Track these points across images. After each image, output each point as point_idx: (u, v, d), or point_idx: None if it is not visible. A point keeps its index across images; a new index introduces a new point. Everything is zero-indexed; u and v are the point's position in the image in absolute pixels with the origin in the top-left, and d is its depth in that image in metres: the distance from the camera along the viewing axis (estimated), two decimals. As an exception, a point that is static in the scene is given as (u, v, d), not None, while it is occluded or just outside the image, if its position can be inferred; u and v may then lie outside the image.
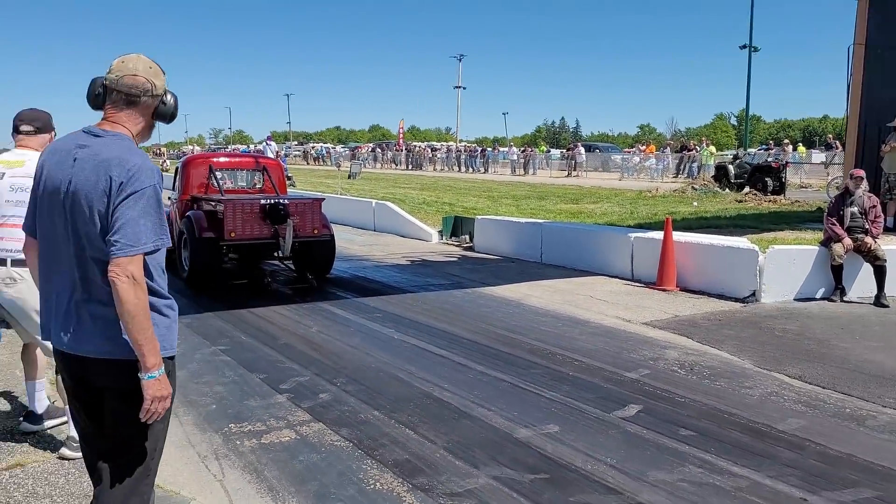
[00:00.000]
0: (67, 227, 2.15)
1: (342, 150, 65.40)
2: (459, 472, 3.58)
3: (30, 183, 3.45)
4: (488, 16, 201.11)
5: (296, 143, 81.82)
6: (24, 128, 3.67)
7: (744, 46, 34.85)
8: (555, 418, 4.31)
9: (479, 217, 12.67)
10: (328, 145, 75.86)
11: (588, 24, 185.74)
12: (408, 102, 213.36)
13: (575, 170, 34.61)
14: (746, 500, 3.31)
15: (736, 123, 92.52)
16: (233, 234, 7.86)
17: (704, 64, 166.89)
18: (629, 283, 8.90)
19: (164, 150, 63.10)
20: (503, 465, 3.67)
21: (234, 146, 76.06)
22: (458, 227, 13.39)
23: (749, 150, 32.22)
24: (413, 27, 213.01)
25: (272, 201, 8.07)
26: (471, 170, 42.01)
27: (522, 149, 44.77)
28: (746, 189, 20.53)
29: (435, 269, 10.02)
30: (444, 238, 13.41)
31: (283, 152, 46.42)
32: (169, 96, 2.29)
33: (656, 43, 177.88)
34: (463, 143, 63.44)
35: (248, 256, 8.79)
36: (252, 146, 70.87)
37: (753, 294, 7.75)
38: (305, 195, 9.40)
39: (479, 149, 48.34)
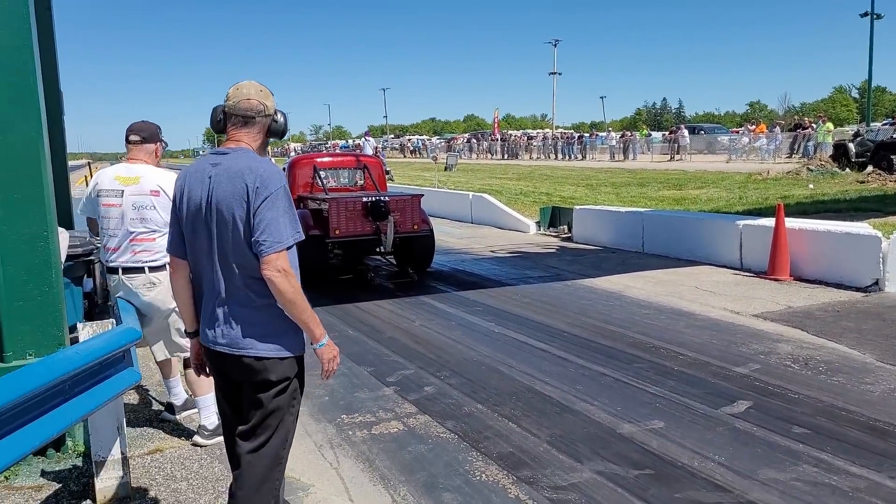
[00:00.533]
0: (212, 239, 2.42)
1: (438, 141, 66.15)
2: (563, 466, 3.66)
3: (147, 200, 3.83)
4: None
5: (392, 136, 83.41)
6: (132, 137, 3.99)
7: (865, 14, 32.52)
8: (660, 414, 4.30)
9: (578, 207, 12.57)
10: (424, 137, 76.90)
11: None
12: (502, 91, 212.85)
13: (678, 153, 33.54)
14: (865, 502, 3.22)
15: (858, 96, 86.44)
16: (337, 232, 8.19)
17: (821, 34, 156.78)
18: (738, 272, 8.62)
19: (269, 148, 65.74)
20: (607, 459, 3.72)
21: (332, 141, 78.47)
22: (556, 217, 13.34)
23: (872, 124, 30.06)
24: (506, 14, 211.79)
25: (374, 199, 8.37)
26: (568, 157, 41.50)
27: (621, 133, 43.75)
28: (869, 168, 19.24)
29: (533, 261, 10.07)
30: (542, 229, 13.40)
31: (380, 146, 47.56)
32: (279, 115, 2.56)
33: (766, 14, 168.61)
34: (559, 130, 62.68)
35: (352, 252, 9.11)
36: (350, 141, 72.88)
37: (876, 283, 7.34)
38: (405, 192, 9.59)
39: (577, 135, 47.66)
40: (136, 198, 3.85)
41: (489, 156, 50.67)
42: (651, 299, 7.43)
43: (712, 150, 35.76)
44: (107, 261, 3.98)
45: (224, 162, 2.43)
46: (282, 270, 2.32)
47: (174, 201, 2.55)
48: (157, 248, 3.82)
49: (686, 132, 35.85)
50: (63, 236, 4.82)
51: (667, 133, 41.06)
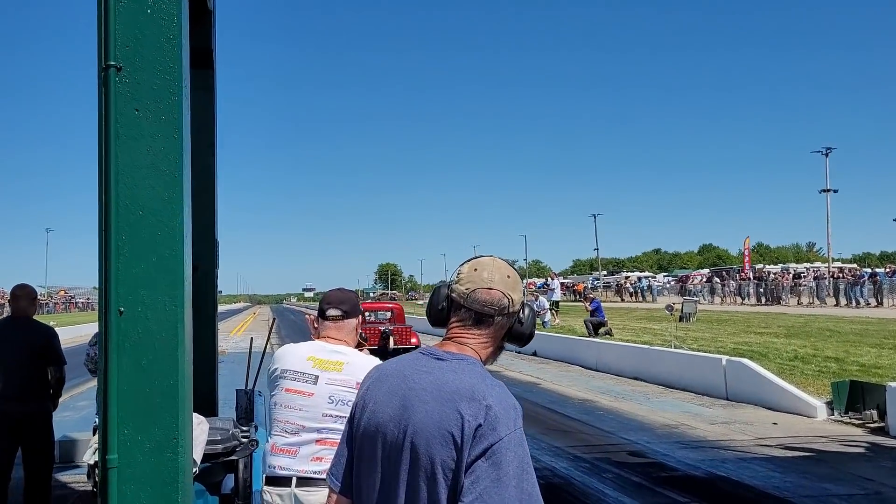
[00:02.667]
0: (394, 482, 2.03)
1: (665, 279, 64.93)
2: None
3: (350, 395, 3.50)
4: (863, 99, 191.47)
5: (605, 272, 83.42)
6: (331, 312, 3.73)
7: None
8: None
9: (894, 384, 11.12)
10: (647, 274, 76.08)
11: None
12: (749, 214, 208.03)
13: None
14: None
15: None
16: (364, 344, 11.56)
17: None
18: None
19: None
20: None
21: (528, 280, 79.96)
22: (856, 396, 12.13)
23: None
24: (762, 118, 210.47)
25: (383, 329, 16.74)
26: (855, 303, 38.54)
27: (934, 269, 40.05)
28: None
29: (833, 468, 8.84)
30: (835, 413, 12.20)
31: (589, 284, 47.48)
32: (526, 311, 2.22)
33: None
34: (836, 265, 59.01)
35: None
36: (549, 279, 74.02)
37: None
38: (407, 325, 21.94)
39: (867, 272, 44.45)
40: (335, 388, 3.56)
41: (739, 299, 48.78)
42: None
43: None
44: (272, 466, 3.65)
45: (436, 372, 2.07)
46: None
47: (353, 411, 2.21)
48: None
49: None
50: (201, 429, 4.67)
51: None
